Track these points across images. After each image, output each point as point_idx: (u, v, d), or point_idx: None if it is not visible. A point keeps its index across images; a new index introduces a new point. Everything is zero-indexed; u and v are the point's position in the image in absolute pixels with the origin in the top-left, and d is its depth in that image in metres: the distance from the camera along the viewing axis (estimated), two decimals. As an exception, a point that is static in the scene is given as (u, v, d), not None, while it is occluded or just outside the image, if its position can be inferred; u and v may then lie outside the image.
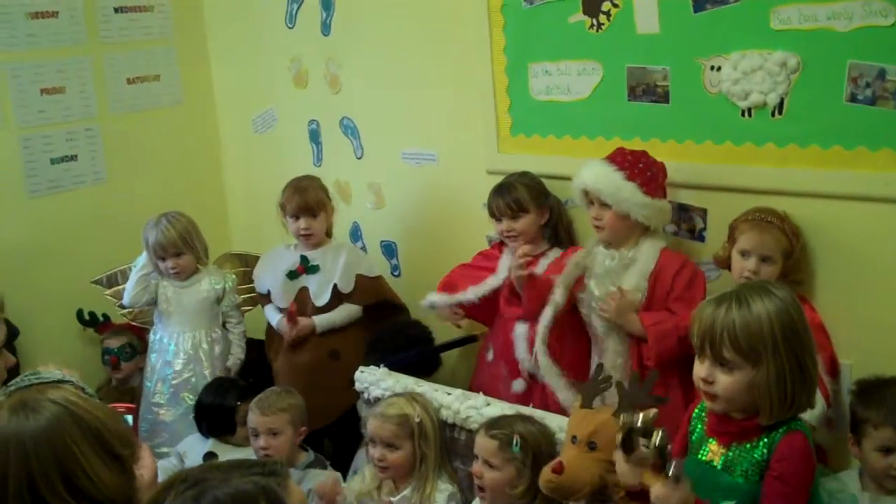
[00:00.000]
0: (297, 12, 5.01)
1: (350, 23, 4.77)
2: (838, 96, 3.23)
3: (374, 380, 3.78)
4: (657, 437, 2.28)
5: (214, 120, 5.65)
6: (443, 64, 4.41)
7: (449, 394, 3.56)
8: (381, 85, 4.69)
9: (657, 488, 2.28)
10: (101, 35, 5.17)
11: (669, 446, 2.30)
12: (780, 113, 3.38)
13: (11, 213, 4.90)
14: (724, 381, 2.37)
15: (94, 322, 5.11)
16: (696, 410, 2.60)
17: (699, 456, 2.53)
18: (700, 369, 2.43)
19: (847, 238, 3.33)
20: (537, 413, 3.27)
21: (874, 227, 3.27)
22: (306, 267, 4.42)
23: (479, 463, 3.15)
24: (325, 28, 4.87)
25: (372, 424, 3.49)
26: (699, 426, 2.57)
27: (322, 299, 4.40)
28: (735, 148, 3.51)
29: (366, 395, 3.82)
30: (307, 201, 4.36)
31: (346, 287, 4.41)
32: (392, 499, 3.47)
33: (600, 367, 3.05)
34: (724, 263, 3.44)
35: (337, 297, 4.42)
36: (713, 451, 2.50)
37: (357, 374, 3.86)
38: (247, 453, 4.00)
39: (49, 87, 5.02)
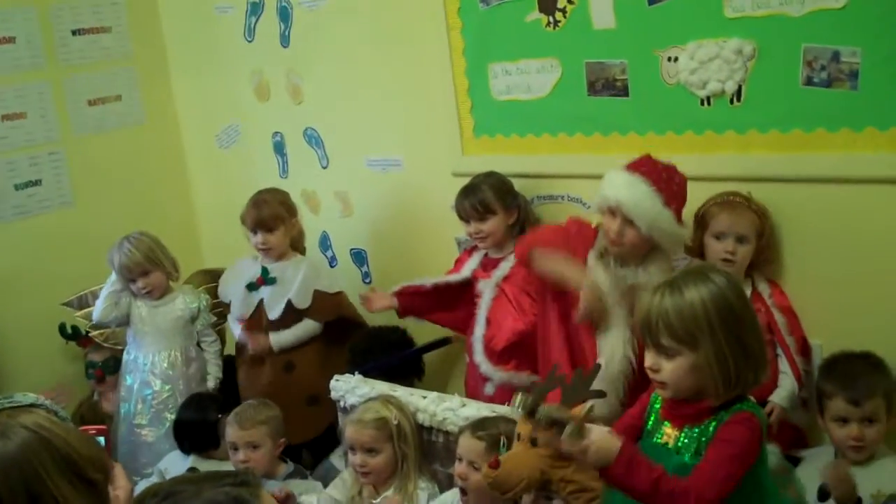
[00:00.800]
0: (255, 25, 5.01)
1: (308, 33, 4.77)
2: (795, 80, 3.26)
3: (350, 387, 3.77)
4: (541, 412, 2.40)
5: (178, 137, 5.63)
6: (403, 69, 4.42)
7: (424, 397, 3.55)
8: (343, 93, 4.70)
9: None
10: (60, 58, 5.15)
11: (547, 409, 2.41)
12: (738, 100, 3.41)
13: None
14: (667, 368, 2.39)
15: (76, 335, 5.08)
16: (653, 396, 2.61)
17: (654, 439, 2.55)
18: (647, 359, 2.46)
19: (812, 220, 3.36)
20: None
21: (838, 208, 3.29)
22: (265, 278, 4.41)
23: (464, 465, 3.14)
24: (284, 40, 4.87)
25: (350, 431, 3.48)
26: (655, 411, 2.59)
27: (274, 312, 4.37)
28: (696, 137, 3.54)
29: (342, 404, 3.81)
30: (262, 216, 4.34)
31: (303, 303, 4.38)
32: (374, 502, 3.47)
33: (554, 370, 3.00)
34: (696, 252, 3.45)
35: (294, 312, 4.39)
36: (668, 434, 2.51)
37: (332, 384, 3.84)
38: (230, 467, 3.98)
39: (9, 112, 4.99)
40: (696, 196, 3.48)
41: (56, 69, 5.14)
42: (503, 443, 3.00)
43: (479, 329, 3.90)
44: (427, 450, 3.51)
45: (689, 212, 3.47)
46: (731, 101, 3.42)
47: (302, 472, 3.90)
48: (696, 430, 2.44)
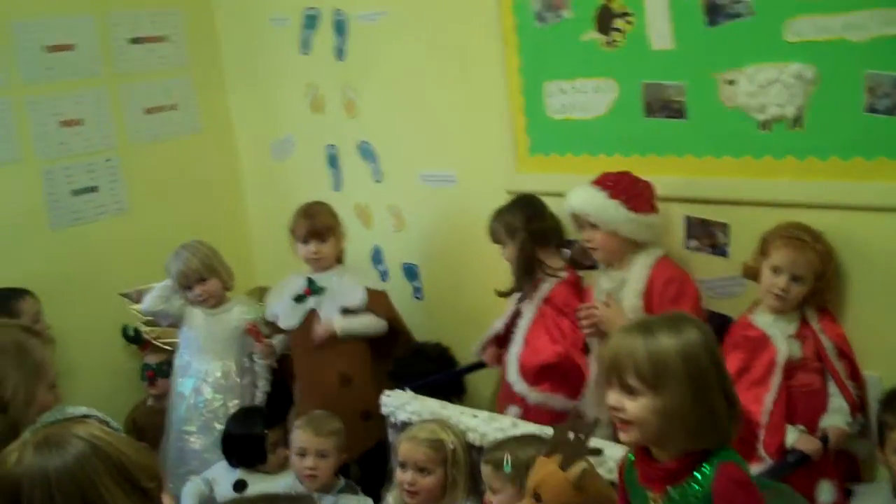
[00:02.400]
0: (311, 39, 5.03)
1: (364, 47, 4.79)
2: (856, 107, 3.21)
3: (400, 403, 3.77)
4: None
5: (233, 147, 5.67)
6: (458, 85, 4.41)
7: (475, 416, 3.54)
8: (398, 108, 4.71)
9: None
10: (117, 66, 5.22)
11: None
12: (798, 125, 3.36)
13: (34, 246, 4.94)
14: (631, 407, 2.33)
15: (138, 339, 5.15)
16: (627, 469, 2.53)
17: None
18: (610, 398, 2.39)
19: (870, 249, 3.29)
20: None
21: (897, 238, 3.24)
22: (313, 289, 4.42)
23: (487, 491, 3.16)
24: (340, 53, 4.89)
25: (405, 448, 3.47)
26: (633, 479, 2.49)
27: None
28: (754, 161, 3.49)
29: (392, 419, 3.81)
30: (315, 225, 4.37)
31: (360, 302, 4.39)
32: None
33: (574, 415, 3.16)
34: (753, 274, 3.41)
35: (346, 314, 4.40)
36: (654, 500, 2.43)
37: (383, 398, 3.84)
38: (278, 481, 4.00)
39: (68, 119, 5.06)
40: (754, 221, 3.47)
41: (113, 76, 5.21)
42: (507, 461, 3.04)
43: (516, 348, 3.90)
44: (476, 470, 3.49)
45: (745, 235, 3.47)
46: (791, 127, 3.37)
47: (353, 488, 3.91)
48: (679, 489, 2.35)
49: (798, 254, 3.27)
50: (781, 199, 3.44)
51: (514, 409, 3.84)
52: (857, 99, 3.20)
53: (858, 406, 3.27)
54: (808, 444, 3.19)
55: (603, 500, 2.47)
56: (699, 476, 2.34)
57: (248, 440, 4.16)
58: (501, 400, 4.01)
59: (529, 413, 3.76)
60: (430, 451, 3.41)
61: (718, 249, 3.66)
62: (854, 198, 3.28)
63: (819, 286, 3.29)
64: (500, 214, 3.95)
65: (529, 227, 3.89)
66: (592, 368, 3.68)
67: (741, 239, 3.53)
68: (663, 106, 3.69)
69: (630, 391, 2.34)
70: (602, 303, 3.60)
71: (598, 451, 2.54)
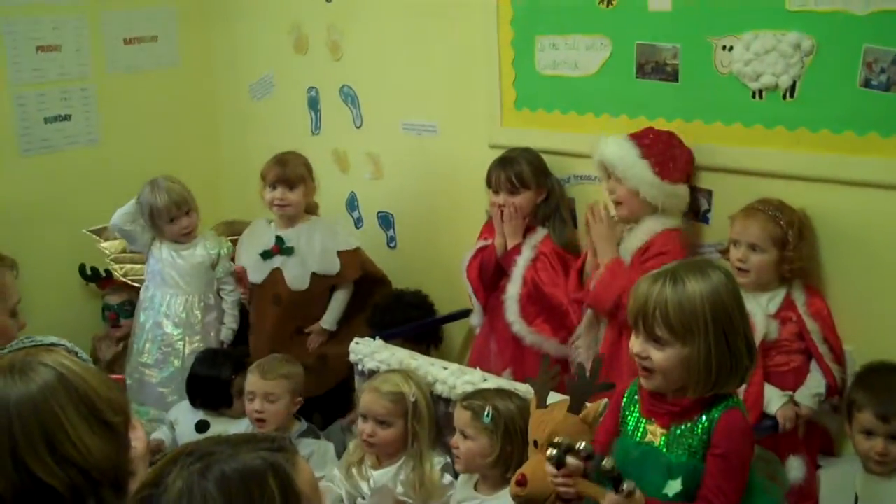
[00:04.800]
0: (299, -24, 4.95)
1: (353, -11, 4.71)
2: (852, 81, 3.18)
3: (369, 352, 3.73)
4: (608, 462, 2.30)
5: (211, 84, 5.58)
6: (447, 34, 4.35)
7: (445, 368, 3.52)
8: (384, 53, 4.64)
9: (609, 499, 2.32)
10: (100, -8, 5.10)
11: (615, 465, 2.32)
12: (791, 96, 3.33)
13: (2, 171, 4.85)
14: (658, 357, 2.39)
15: (96, 277, 5.09)
16: (627, 396, 2.60)
17: (638, 438, 2.53)
18: (634, 344, 2.46)
19: (853, 224, 3.29)
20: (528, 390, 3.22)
21: (882, 214, 3.22)
22: (281, 248, 4.37)
23: (457, 434, 3.16)
24: (328, -7, 4.81)
25: (366, 399, 3.44)
26: (634, 409, 2.57)
27: (301, 285, 4.36)
28: (744, 129, 3.47)
29: (360, 367, 3.77)
30: (286, 173, 4.32)
31: (333, 269, 4.37)
32: (374, 472, 3.44)
33: (546, 360, 3.10)
34: (727, 256, 3.42)
35: (315, 280, 4.37)
36: (653, 433, 2.50)
37: (352, 346, 3.81)
38: (240, 424, 3.96)
39: (44, 44, 4.95)
40: (738, 189, 3.48)
41: (94, 3, 5.09)
42: (488, 412, 3.05)
43: (514, 287, 3.86)
44: (444, 422, 3.47)
45: (728, 203, 3.47)
46: (784, 97, 3.35)
47: (314, 432, 3.89)
48: (683, 427, 2.44)
49: (751, 221, 3.29)
50: (768, 169, 3.43)
51: (507, 374, 3.80)
52: (854, 73, 3.18)
53: (839, 389, 3.28)
54: (784, 417, 3.21)
55: None
56: (706, 418, 2.41)
57: (215, 383, 4.13)
58: (477, 351, 4.00)
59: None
60: (390, 405, 3.38)
61: (701, 216, 3.65)
62: (842, 172, 3.27)
63: (789, 256, 3.27)
64: (518, 160, 3.87)
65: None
66: (585, 315, 3.67)
67: (724, 206, 3.52)
68: (656, 68, 3.65)
69: (657, 341, 2.39)
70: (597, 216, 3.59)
71: (610, 386, 2.62)
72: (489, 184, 3.92)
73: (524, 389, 3.20)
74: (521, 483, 2.61)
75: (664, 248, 3.46)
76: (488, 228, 4.07)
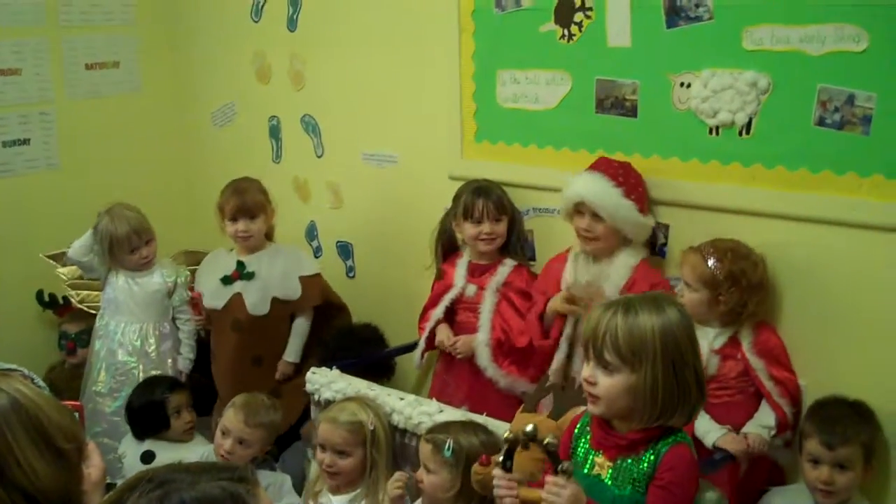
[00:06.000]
0: (263, 6, 4.96)
1: (317, 19, 4.73)
2: (807, 119, 3.23)
3: (326, 381, 3.72)
4: (546, 438, 2.37)
5: (173, 111, 5.56)
6: (409, 66, 4.38)
7: (401, 398, 3.51)
8: (346, 84, 4.65)
9: (548, 484, 2.38)
10: (61, 18, 5.08)
11: (556, 447, 2.39)
12: (747, 132, 3.38)
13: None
14: (605, 383, 2.42)
15: (53, 304, 5.04)
16: (579, 426, 2.63)
17: (585, 470, 2.56)
18: (585, 370, 2.49)
19: (805, 260, 3.33)
20: (490, 422, 3.23)
21: (835, 251, 3.26)
22: (241, 273, 4.35)
23: (422, 468, 3.14)
24: (292, 23, 4.82)
25: (323, 429, 3.41)
26: (584, 441, 2.60)
27: (261, 310, 4.33)
28: (701, 165, 3.51)
29: (316, 397, 3.76)
30: (245, 203, 4.29)
31: (294, 294, 4.35)
32: (333, 497, 3.41)
33: (546, 377, 3.20)
34: None
35: (276, 306, 4.35)
36: (600, 465, 2.53)
37: (308, 376, 3.80)
38: (192, 450, 3.92)
39: (4, 67, 4.92)
40: (695, 224, 3.53)
41: (56, 28, 5.07)
42: (448, 446, 3.04)
43: (484, 334, 3.87)
44: (400, 452, 3.46)
45: (684, 238, 3.51)
46: (740, 133, 3.39)
47: (270, 464, 3.84)
48: (630, 460, 2.46)
49: (685, 260, 3.38)
50: (724, 205, 3.46)
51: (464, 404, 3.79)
52: (808, 111, 3.23)
53: (789, 423, 3.30)
54: (733, 444, 3.23)
55: None
56: (652, 452, 2.44)
57: (150, 407, 4.07)
58: (443, 396, 3.94)
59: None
60: (349, 435, 3.36)
61: (657, 249, 3.68)
62: (797, 209, 3.31)
63: (721, 299, 3.28)
64: (493, 189, 3.89)
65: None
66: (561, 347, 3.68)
67: (680, 241, 3.54)
68: (615, 103, 3.69)
69: (606, 367, 2.41)
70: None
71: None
72: (469, 214, 3.89)
73: (484, 423, 3.21)
74: (484, 463, 2.71)
75: (652, 280, 3.50)
76: (450, 262, 4.08)
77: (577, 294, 3.61)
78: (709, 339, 3.31)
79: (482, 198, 3.86)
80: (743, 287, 3.27)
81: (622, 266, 3.53)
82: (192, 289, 4.58)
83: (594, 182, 3.51)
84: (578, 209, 3.55)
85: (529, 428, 2.44)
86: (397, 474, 3.29)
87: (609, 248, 3.56)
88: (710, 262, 3.29)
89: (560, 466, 2.37)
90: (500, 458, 2.51)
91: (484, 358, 3.86)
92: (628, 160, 3.65)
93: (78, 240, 4.47)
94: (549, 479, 2.39)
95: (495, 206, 3.85)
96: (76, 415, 2.65)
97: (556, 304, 3.64)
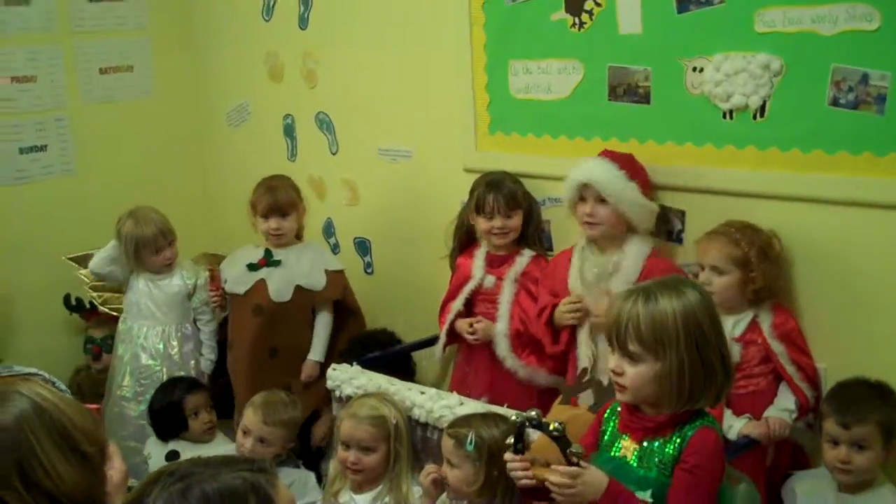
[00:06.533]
0: (274, 5, 4.98)
1: (328, 17, 4.73)
2: (821, 100, 3.21)
3: (347, 378, 3.72)
4: (552, 424, 2.39)
5: (187, 113, 5.58)
6: (421, 60, 4.38)
7: (422, 392, 3.51)
8: (358, 80, 4.66)
9: (559, 471, 2.38)
10: (74, 24, 5.11)
11: (561, 432, 2.40)
12: (761, 115, 3.36)
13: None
14: (631, 372, 2.43)
15: (80, 308, 5.05)
16: (608, 410, 2.65)
17: (612, 453, 2.58)
18: (611, 361, 2.50)
19: (823, 242, 3.31)
20: (511, 413, 3.22)
21: (853, 232, 3.24)
22: (268, 260, 4.37)
23: (444, 462, 3.13)
24: (303, 22, 4.83)
25: (347, 426, 3.39)
26: (611, 425, 2.62)
27: (284, 296, 4.34)
28: (716, 150, 3.49)
29: (337, 393, 3.76)
30: (278, 201, 4.31)
31: (318, 284, 4.36)
32: (356, 496, 3.41)
33: (584, 371, 3.19)
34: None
35: (298, 293, 4.35)
36: (626, 447, 2.54)
37: (329, 372, 3.80)
38: (209, 449, 3.95)
39: (20, 75, 4.94)
40: (711, 209, 3.49)
41: (68, 34, 5.10)
42: (471, 440, 3.02)
43: (503, 324, 3.87)
44: (422, 447, 3.46)
45: (701, 223, 3.48)
46: (755, 117, 3.37)
47: (294, 461, 3.85)
48: (656, 443, 2.47)
49: (711, 244, 3.32)
50: (740, 189, 3.44)
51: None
52: (822, 92, 3.21)
53: (811, 407, 3.29)
54: (756, 429, 3.23)
55: None
56: (678, 435, 2.44)
57: (168, 409, 4.11)
58: (464, 388, 3.93)
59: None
60: (373, 429, 3.35)
61: (674, 236, 3.67)
62: (813, 190, 3.29)
63: (752, 277, 3.27)
64: (506, 182, 3.88)
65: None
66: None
67: (697, 227, 3.52)
68: (628, 90, 3.68)
69: (631, 356, 2.42)
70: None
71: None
72: (480, 209, 3.89)
73: (505, 413, 3.20)
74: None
75: (665, 268, 3.47)
76: (467, 254, 4.06)
77: (582, 296, 3.59)
78: (728, 328, 3.26)
79: (493, 192, 3.85)
80: (771, 261, 3.28)
81: (634, 256, 3.51)
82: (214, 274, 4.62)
83: (597, 165, 3.51)
84: (582, 196, 3.53)
85: (533, 413, 2.46)
86: (428, 466, 3.28)
87: (615, 237, 3.54)
88: (739, 240, 3.27)
89: (570, 450, 2.38)
90: (511, 441, 2.53)
91: (503, 348, 3.86)
92: (643, 147, 3.64)
93: (98, 253, 4.50)
94: (561, 469, 2.40)
95: (506, 200, 3.83)
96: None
97: (563, 317, 3.62)
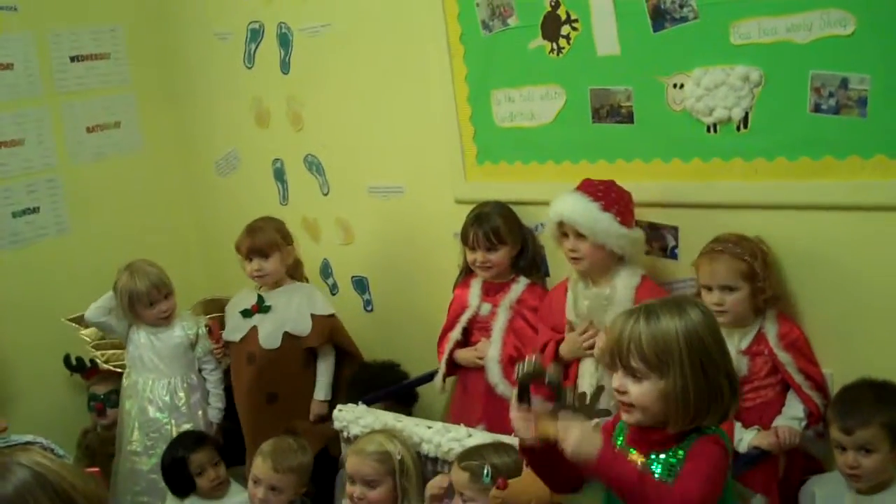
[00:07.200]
0: (255, 52, 4.99)
1: (309, 60, 4.76)
2: (802, 107, 3.22)
3: (354, 417, 3.73)
4: (551, 371, 2.43)
5: (177, 164, 5.60)
6: (405, 95, 4.39)
7: (429, 427, 3.51)
8: (344, 120, 4.68)
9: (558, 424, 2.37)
10: (58, 84, 5.13)
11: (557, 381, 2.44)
12: (745, 127, 3.37)
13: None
14: (635, 391, 2.40)
15: (81, 368, 5.05)
16: (617, 427, 2.62)
17: None
18: (614, 380, 2.47)
19: (821, 249, 3.31)
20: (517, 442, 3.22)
21: (846, 235, 3.25)
22: (260, 307, 4.39)
23: (456, 496, 3.12)
24: (285, 66, 4.85)
25: (352, 462, 3.43)
26: (620, 439, 2.59)
27: (273, 343, 4.36)
28: (703, 164, 3.50)
29: (345, 434, 3.78)
30: (255, 243, 4.35)
31: (304, 330, 4.37)
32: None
33: (583, 395, 3.05)
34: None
35: (290, 339, 4.37)
36: (633, 460, 2.49)
37: (335, 413, 3.81)
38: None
39: (7, 139, 4.96)
40: (703, 223, 3.50)
41: (54, 95, 5.12)
42: (487, 472, 3.01)
43: (494, 350, 3.87)
44: (428, 480, 3.45)
45: (694, 238, 3.48)
46: (738, 128, 3.38)
47: (305, 505, 3.85)
48: (663, 455, 2.44)
49: (716, 264, 3.31)
50: (730, 201, 3.46)
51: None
52: (803, 99, 3.22)
53: (821, 415, 3.28)
54: (765, 439, 3.22)
55: None
56: (681, 447, 2.41)
57: (173, 467, 4.10)
58: (462, 417, 3.93)
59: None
60: (377, 465, 3.38)
61: (669, 252, 3.68)
62: (801, 197, 3.30)
63: (760, 287, 3.28)
64: (491, 216, 3.88)
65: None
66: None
67: (691, 241, 3.53)
68: (611, 111, 3.69)
69: (634, 374, 2.39)
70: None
71: (608, 413, 2.60)
72: (465, 241, 3.93)
73: (512, 443, 3.19)
74: (501, 487, 2.72)
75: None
76: (464, 283, 4.08)
77: (594, 325, 3.57)
78: (735, 342, 3.28)
79: (474, 227, 3.88)
80: (770, 266, 3.30)
81: (624, 288, 3.50)
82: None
83: (570, 200, 3.51)
84: (563, 231, 3.55)
85: (534, 358, 2.49)
86: (438, 477, 3.28)
87: (601, 268, 3.54)
88: (741, 254, 3.27)
89: (565, 398, 2.40)
90: (516, 394, 2.50)
91: (495, 374, 3.86)
92: (630, 167, 3.66)
93: (95, 302, 4.50)
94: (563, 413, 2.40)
95: (486, 236, 3.85)
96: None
97: (577, 351, 3.60)
